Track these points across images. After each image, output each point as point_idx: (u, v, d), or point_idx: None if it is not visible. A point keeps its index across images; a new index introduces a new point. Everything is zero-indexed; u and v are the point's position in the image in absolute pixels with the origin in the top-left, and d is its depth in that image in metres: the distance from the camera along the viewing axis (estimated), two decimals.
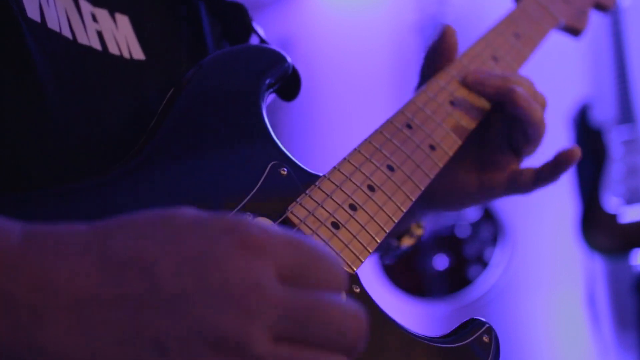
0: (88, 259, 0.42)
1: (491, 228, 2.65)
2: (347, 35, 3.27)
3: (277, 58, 0.76)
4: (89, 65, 0.69)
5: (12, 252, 0.42)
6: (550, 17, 1.01)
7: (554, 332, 2.64)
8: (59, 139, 0.63)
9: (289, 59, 0.77)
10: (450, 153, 0.79)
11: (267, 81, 0.74)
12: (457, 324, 0.67)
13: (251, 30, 0.87)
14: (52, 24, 0.66)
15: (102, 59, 0.71)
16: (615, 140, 2.39)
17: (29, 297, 0.40)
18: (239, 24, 0.87)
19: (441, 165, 0.78)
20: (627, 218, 2.29)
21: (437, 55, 0.89)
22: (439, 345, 0.63)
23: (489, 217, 2.67)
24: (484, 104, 0.85)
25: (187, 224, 0.44)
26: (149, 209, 0.57)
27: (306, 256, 0.45)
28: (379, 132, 0.76)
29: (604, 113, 2.44)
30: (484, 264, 2.62)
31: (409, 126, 0.78)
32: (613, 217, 2.30)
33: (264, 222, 0.62)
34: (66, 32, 0.68)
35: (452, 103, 0.83)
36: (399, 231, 0.97)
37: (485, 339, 0.65)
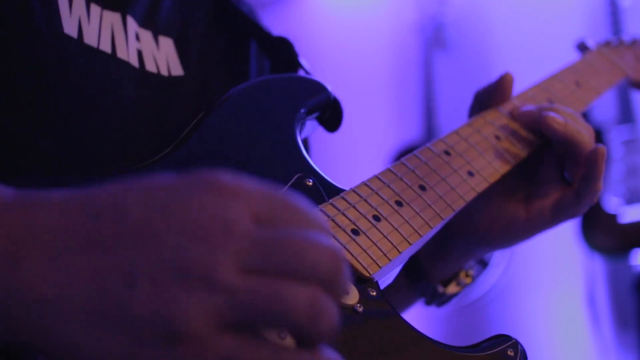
0: (68, 206, 0.44)
1: None
2: (347, 35, 3.27)
3: (315, 87, 0.77)
4: (123, 78, 0.72)
5: (1, 203, 0.44)
6: (618, 71, 1.01)
7: (554, 332, 2.64)
8: (78, 145, 0.66)
9: (329, 89, 0.78)
10: (490, 180, 0.78)
11: (302, 108, 0.75)
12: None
13: (298, 64, 0.88)
14: (89, 40, 0.69)
15: (137, 74, 0.74)
16: (615, 140, 2.39)
17: (7, 244, 0.42)
18: (287, 58, 0.88)
19: (479, 190, 0.76)
20: (627, 218, 2.29)
21: (489, 97, 0.87)
22: (461, 353, 0.63)
23: None
24: (531, 138, 0.84)
25: (167, 177, 0.45)
26: None
27: (283, 204, 0.45)
28: (414, 155, 0.75)
29: (604, 113, 2.44)
30: (484, 264, 2.62)
31: (447, 153, 0.77)
32: (613, 217, 2.30)
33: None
34: (105, 47, 0.71)
35: (497, 137, 0.82)
36: (446, 278, 0.95)
37: (510, 352, 0.64)
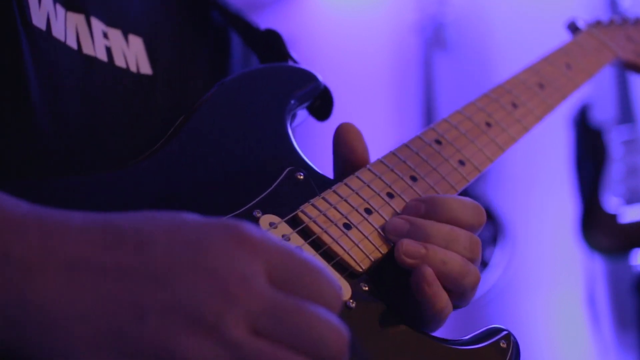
0: (89, 233, 0.44)
1: (491, 228, 2.65)
2: (347, 35, 3.27)
3: (305, 76, 0.77)
4: (91, 73, 0.71)
5: (16, 218, 0.44)
6: (608, 51, 1.00)
7: (554, 332, 2.64)
8: (44, 139, 0.64)
9: (319, 77, 0.77)
10: (481, 168, 0.77)
11: (292, 99, 0.74)
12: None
13: (287, 56, 0.86)
14: (57, 34, 0.68)
15: (106, 68, 0.73)
16: (615, 140, 2.39)
17: (23, 254, 0.42)
18: (275, 50, 0.87)
19: (470, 179, 0.75)
20: (627, 218, 2.29)
21: (347, 156, 0.74)
22: (454, 347, 0.63)
23: (489, 217, 2.66)
24: (528, 121, 0.84)
25: (192, 219, 0.46)
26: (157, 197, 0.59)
27: (300, 266, 0.46)
28: (404, 145, 0.74)
29: (604, 113, 2.44)
30: (484, 264, 2.62)
31: (438, 142, 0.76)
32: (613, 217, 2.30)
33: (266, 229, 0.62)
34: (71, 43, 0.69)
35: (488, 124, 0.81)
36: None
37: (503, 344, 0.64)
